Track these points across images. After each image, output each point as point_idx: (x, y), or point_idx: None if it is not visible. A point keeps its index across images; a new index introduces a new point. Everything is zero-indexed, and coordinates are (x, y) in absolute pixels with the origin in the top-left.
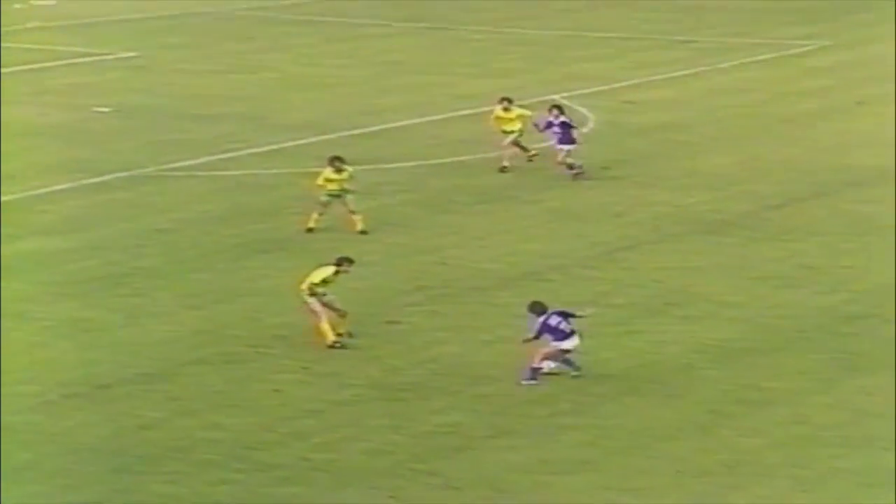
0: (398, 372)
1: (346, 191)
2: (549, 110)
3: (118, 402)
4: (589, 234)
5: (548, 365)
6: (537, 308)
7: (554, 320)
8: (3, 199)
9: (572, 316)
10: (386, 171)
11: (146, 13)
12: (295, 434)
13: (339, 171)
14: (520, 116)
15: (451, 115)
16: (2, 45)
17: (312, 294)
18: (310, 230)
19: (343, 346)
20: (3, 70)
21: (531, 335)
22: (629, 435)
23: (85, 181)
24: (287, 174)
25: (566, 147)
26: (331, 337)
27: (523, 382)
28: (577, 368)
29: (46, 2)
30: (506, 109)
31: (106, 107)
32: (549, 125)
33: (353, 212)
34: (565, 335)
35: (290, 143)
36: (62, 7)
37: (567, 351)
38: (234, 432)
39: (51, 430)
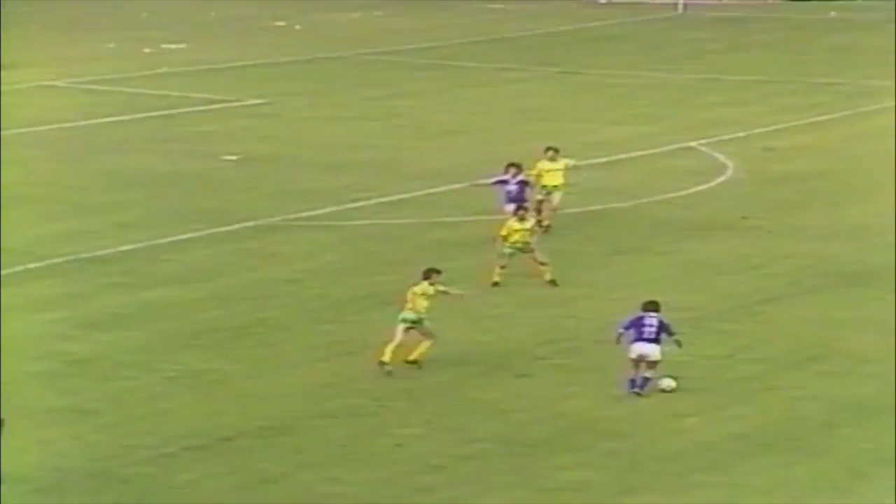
0: (525, 427)
1: (528, 243)
2: (506, 169)
3: (240, 454)
4: (724, 286)
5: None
6: (650, 306)
7: (648, 320)
8: (127, 247)
9: (668, 331)
10: None
11: (274, 59)
12: (418, 489)
13: (522, 220)
14: (566, 168)
15: (584, 162)
16: (132, 90)
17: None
18: (495, 284)
19: (389, 374)
20: (129, 116)
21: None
22: (763, 494)
23: (210, 230)
24: (416, 224)
25: (513, 206)
26: (385, 357)
27: (624, 389)
28: (641, 388)
29: (176, 45)
30: (552, 160)
31: (233, 155)
32: (503, 183)
33: (542, 263)
34: (644, 339)
35: (420, 193)
36: (191, 52)
37: (642, 358)
38: (356, 486)
39: (169, 483)
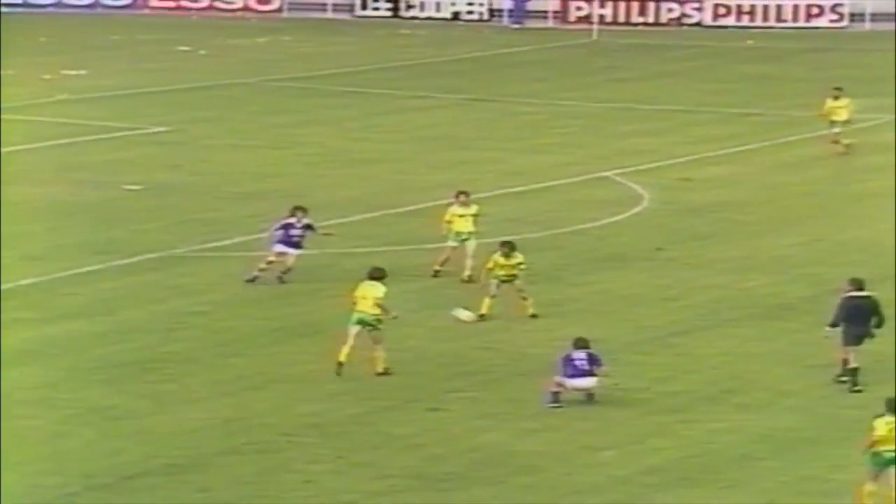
0: (439, 461)
1: (515, 276)
2: (292, 213)
3: (144, 493)
4: (640, 318)
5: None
6: (580, 343)
7: (576, 355)
8: (29, 280)
9: (598, 363)
10: (430, 251)
11: (177, 85)
12: None
13: (507, 256)
14: (477, 214)
15: (498, 192)
16: (32, 118)
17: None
18: (482, 317)
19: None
20: (30, 146)
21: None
22: None
23: (114, 262)
24: (325, 254)
25: (293, 251)
26: (341, 357)
27: (545, 405)
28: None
29: (76, 71)
30: (464, 205)
31: (136, 184)
32: (287, 227)
33: (524, 297)
34: (578, 374)
35: (332, 222)
36: (92, 79)
37: (578, 389)
38: None
39: None
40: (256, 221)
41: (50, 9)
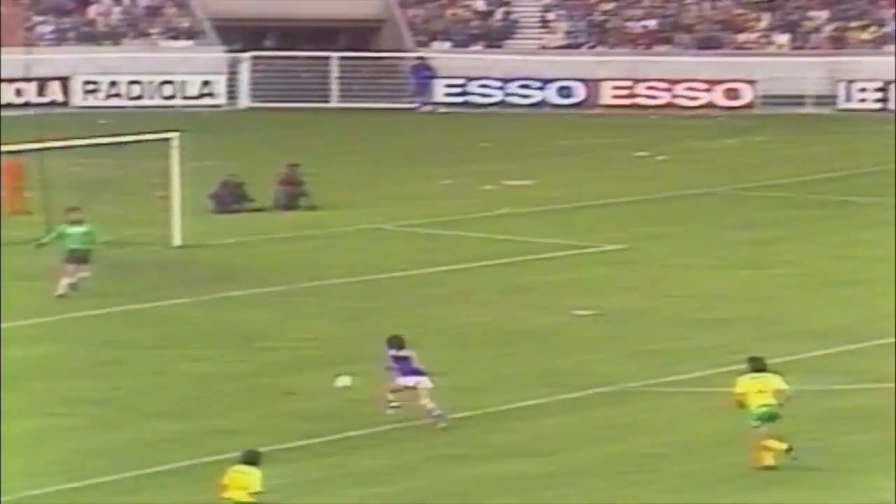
0: None
1: None
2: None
3: None
4: None
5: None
6: (395, 342)
7: (404, 353)
8: (464, 413)
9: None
10: None
11: (633, 196)
12: None
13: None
14: None
15: None
16: (470, 234)
17: None
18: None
19: None
20: (468, 265)
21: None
22: None
23: (560, 396)
24: (803, 391)
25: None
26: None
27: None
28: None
29: (522, 182)
30: None
31: (586, 309)
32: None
33: None
34: (411, 372)
35: (811, 354)
36: (538, 190)
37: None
38: None
39: None
40: (723, 353)
41: (493, 108)
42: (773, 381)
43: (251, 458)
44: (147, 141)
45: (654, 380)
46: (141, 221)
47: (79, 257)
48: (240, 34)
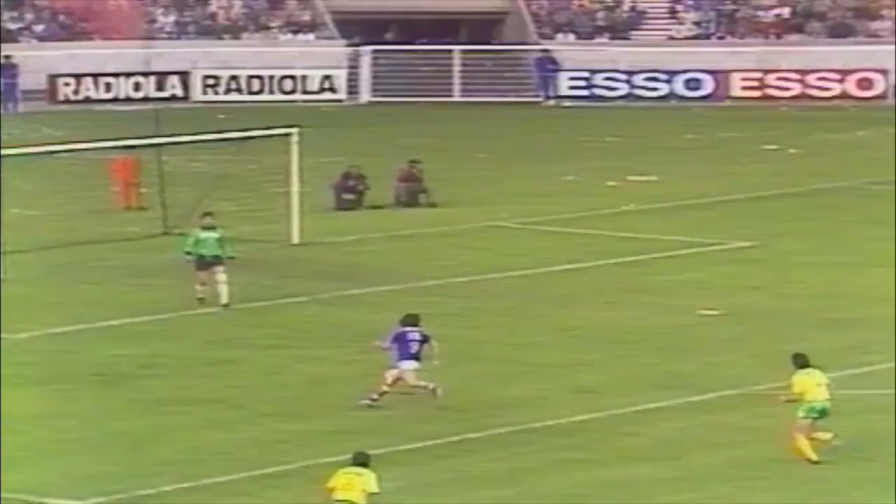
0: None
1: None
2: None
3: None
4: None
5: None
6: (410, 320)
7: (411, 335)
8: (583, 416)
9: (429, 342)
10: None
11: (762, 191)
12: None
13: None
14: None
15: None
16: (593, 231)
17: None
18: None
19: None
20: (590, 263)
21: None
22: None
23: (684, 399)
24: None
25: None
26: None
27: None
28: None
29: (647, 177)
30: None
31: (712, 309)
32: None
33: None
34: (410, 356)
35: None
36: (663, 186)
37: (402, 375)
38: None
39: None
40: (854, 354)
41: (618, 102)
42: (823, 376)
43: (362, 460)
44: (266, 136)
45: (781, 383)
46: (259, 218)
47: (209, 263)
48: (360, 27)
